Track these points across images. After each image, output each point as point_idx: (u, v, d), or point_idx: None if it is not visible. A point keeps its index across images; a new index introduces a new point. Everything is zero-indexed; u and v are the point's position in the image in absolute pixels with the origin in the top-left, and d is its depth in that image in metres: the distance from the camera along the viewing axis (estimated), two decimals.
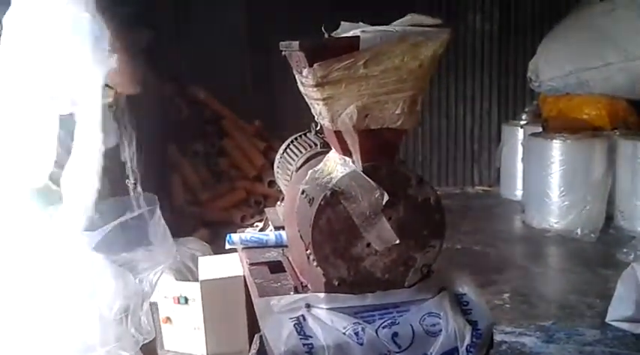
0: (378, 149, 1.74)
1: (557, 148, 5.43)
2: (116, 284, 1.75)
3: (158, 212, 1.81)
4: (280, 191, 2.74)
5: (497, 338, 3.24)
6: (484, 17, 7.11)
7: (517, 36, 7.12)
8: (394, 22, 1.70)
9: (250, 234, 2.46)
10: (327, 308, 1.73)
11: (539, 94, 6.54)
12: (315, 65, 1.61)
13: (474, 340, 1.74)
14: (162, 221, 1.82)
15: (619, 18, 5.52)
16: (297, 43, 1.64)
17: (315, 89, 1.66)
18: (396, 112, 1.69)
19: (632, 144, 5.17)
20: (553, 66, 6.04)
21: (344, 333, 1.68)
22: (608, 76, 5.57)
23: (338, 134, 1.74)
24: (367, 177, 1.71)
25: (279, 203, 2.69)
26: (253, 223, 5.13)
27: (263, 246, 2.36)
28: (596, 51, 5.58)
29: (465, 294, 1.84)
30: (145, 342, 1.77)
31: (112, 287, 1.75)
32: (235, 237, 2.41)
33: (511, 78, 7.19)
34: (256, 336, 1.91)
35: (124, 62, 1.98)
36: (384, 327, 1.71)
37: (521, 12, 7.10)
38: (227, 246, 2.46)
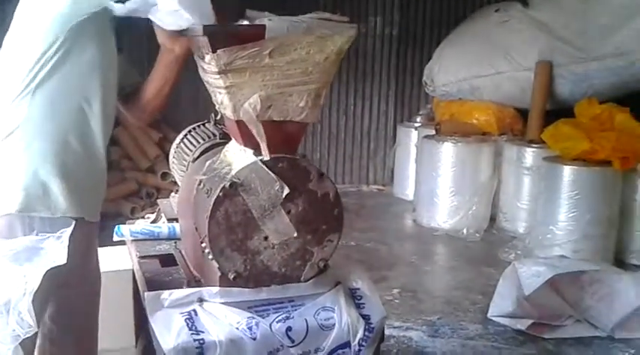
0: (280, 142, 1.71)
1: (447, 151, 5.63)
2: None
3: (68, 234, 1.68)
4: (175, 182, 2.65)
5: (386, 332, 3.27)
6: (385, 21, 7.26)
7: (415, 41, 7.33)
8: (300, 16, 1.68)
9: (141, 226, 2.37)
10: (221, 303, 1.69)
11: (433, 98, 6.77)
12: (218, 51, 1.56)
13: (367, 334, 1.76)
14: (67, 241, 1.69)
15: (511, 29, 5.81)
16: (201, 27, 1.58)
17: (217, 76, 1.61)
18: (300, 105, 1.67)
19: (517, 149, 5.44)
20: (447, 71, 6.27)
21: (237, 328, 1.65)
22: (498, 84, 5.85)
23: (240, 124, 1.70)
24: (268, 170, 1.68)
25: (173, 194, 2.61)
26: (144, 215, 4.95)
27: (154, 238, 2.27)
28: (489, 59, 5.84)
29: (358, 289, 1.86)
30: (27, 337, 1.64)
31: None
32: (124, 228, 2.31)
33: (408, 81, 7.39)
34: (144, 332, 1.84)
35: None
36: (278, 321, 1.69)
37: (420, 17, 7.32)
38: (115, 238, 2.34)
